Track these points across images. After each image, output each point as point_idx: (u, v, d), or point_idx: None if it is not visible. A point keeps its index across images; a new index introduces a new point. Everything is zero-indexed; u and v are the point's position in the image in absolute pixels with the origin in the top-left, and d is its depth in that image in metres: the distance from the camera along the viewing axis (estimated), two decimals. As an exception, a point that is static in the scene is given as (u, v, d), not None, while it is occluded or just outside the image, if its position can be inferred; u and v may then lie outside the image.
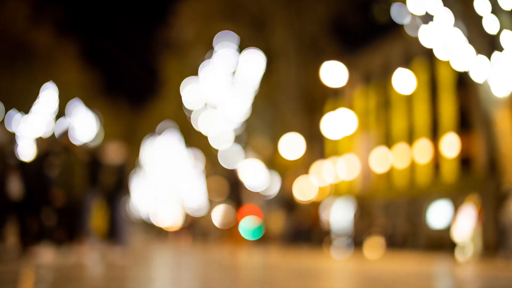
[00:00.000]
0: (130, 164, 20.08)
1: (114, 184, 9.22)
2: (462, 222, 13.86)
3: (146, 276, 5.51)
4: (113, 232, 9.23)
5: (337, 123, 24.66)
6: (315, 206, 26.47)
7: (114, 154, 9.42)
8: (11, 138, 8.96)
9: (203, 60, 26.86)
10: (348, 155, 27.25)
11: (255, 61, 25.47)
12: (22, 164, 8.40)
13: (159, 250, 15.63)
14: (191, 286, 4.53)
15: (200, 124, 28.37)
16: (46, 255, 7.97)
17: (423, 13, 12.23)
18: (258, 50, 25.46)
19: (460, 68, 12.46)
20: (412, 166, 24.33)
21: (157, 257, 10.55)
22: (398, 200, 24.23)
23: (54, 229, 8.63)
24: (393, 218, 23.31)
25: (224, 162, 28.56)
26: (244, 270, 6.81)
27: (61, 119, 22.94)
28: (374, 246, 19.20)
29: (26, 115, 22.05)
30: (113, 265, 7.16)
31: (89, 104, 28.20)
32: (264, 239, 23.76)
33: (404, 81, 22.17)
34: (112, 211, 9.27)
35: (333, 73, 23.62)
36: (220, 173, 29.90)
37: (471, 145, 21.07)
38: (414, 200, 23.23)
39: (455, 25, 12.04)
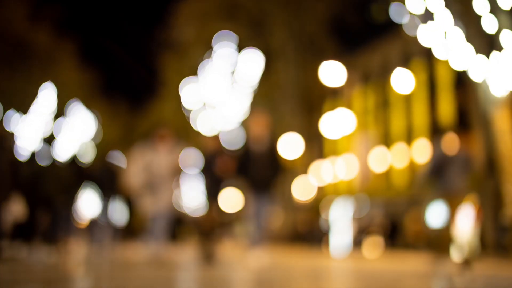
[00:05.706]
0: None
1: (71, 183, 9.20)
2: (460, 222, 13.85)
3: (146, 276, 5.51)
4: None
5: (336, 122, 24.68)
6: (314, 205, 26.49)
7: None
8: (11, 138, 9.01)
9: (202, 60, 26.86)
10: (347, 155, 27.28)
11: (254, 61, 25.46)
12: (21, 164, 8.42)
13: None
14: (192, 286, 4.53)
15: (199, 124, 28.36)
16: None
17: (421, 12, 12.23)
18: (257, 49, 25.46)
19: (459, 68, 12.46)
20: (411, 166, 24.36)
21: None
22: (397, 199, 24.26)
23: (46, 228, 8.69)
24: (392, 217, 23.33)
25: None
26: (243, 270, 6.81)
27: (59, 119, 22.94)
28: (373, 245, 19.20)
29: (24, 115, 22.03)
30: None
31: (88, 104, 28.20)
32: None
33: (403, 80, 22.20)
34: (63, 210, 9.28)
35: (332, 73, 23.63)
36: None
37: (469, 144, 21.10)
38: (413, 200, 23.26)
39: (454, 24, 12.05)
